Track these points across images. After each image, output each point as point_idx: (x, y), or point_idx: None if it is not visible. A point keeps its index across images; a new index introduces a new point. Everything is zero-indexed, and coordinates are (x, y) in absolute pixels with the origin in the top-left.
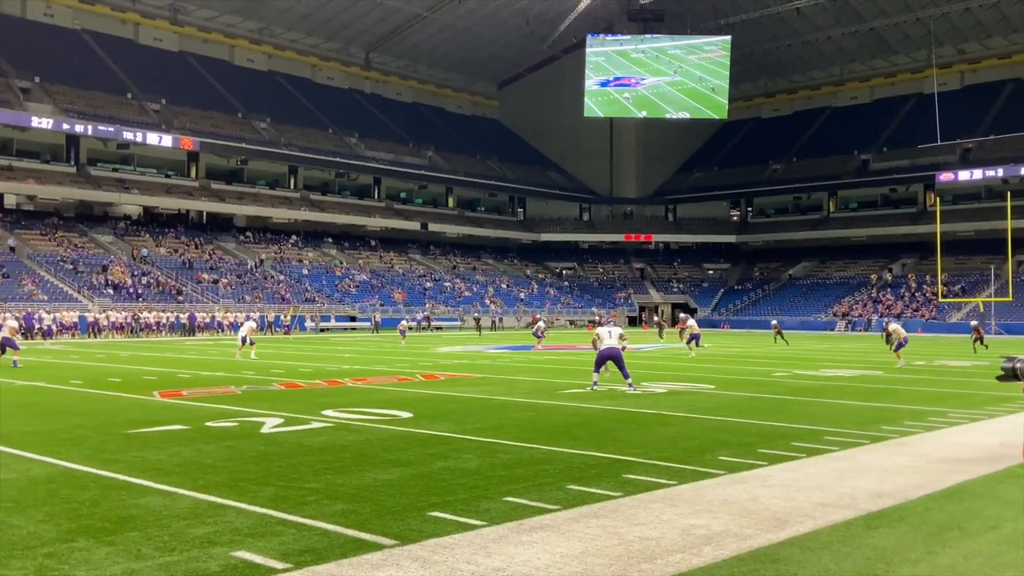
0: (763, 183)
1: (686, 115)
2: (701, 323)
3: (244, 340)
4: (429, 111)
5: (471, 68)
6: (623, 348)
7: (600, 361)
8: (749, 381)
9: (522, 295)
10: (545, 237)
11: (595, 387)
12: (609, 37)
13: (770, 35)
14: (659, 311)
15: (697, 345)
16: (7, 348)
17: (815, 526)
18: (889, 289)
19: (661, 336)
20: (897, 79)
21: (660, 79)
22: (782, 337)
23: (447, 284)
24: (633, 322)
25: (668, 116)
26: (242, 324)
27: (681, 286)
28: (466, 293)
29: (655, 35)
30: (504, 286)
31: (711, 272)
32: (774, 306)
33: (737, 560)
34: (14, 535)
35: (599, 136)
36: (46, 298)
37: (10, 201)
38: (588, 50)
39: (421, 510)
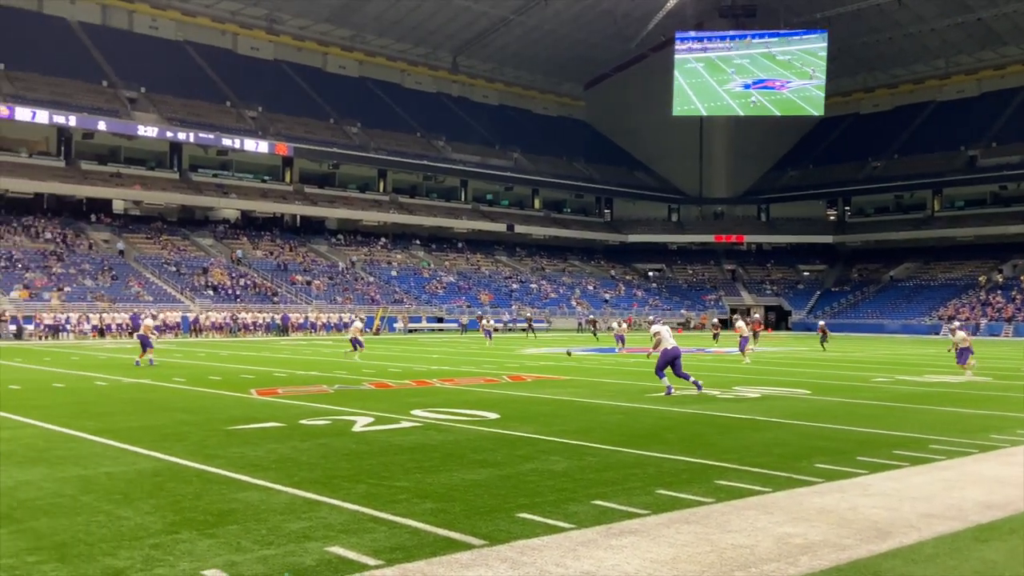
0: (862, 181)
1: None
2: (796, 326)
3: (355, 343)
4: (515, 113)
5: (557, 69)
6: None
7: (666, 363)
8: (846, 386)
9: (608, 296)
10: (632, 238)
11: (671, 391)
12: (698, 35)
13: (869, 28)
14: (744, 314)
15: (741, 351)
16: (146, 346)
17: (920, 537)
18: (1000, 291)
19: (716, 339)
20: (1007, 71)
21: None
22: (825, 340)
23: (533, 286)
24: (725, 325)
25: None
26: (350, 324)
27: (775, 288)
28: (552, 295)
29: (748, 31)
30: (590, 288)
31: (806, 274)
32: (874, 309)
33: (836, 571)
34: (123, 526)
35: (688, 135)
36: (151, 299)
37: (118, 206)
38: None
39: (509, 511)
